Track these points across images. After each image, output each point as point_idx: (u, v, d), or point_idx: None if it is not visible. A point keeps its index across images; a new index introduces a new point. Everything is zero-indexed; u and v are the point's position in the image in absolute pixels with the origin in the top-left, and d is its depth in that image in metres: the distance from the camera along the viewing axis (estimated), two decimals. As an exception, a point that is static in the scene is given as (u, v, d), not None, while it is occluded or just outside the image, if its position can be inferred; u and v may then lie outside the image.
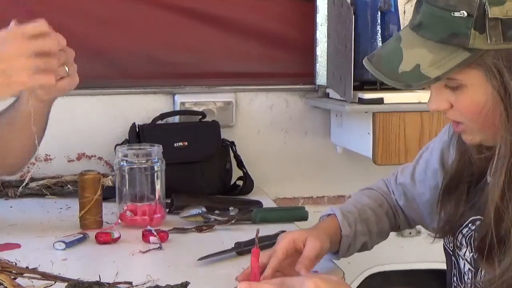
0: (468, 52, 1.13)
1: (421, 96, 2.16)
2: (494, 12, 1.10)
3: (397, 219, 1.60)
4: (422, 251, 2.53)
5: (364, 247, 1.56)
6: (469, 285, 1.30)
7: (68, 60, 1.60)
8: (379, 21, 2.30)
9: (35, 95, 1.69)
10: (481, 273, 1.25)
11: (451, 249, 1.36)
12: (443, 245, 1.40)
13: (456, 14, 1.12)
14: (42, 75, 1.32)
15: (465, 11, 1.11)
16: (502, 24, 1.11)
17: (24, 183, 2.01)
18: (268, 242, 1.53)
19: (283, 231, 1.67)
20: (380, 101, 2.14)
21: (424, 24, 1.17)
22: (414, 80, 1.16)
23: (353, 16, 2.14)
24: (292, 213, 1.92)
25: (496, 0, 1.10)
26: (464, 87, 1.17)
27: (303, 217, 1.86)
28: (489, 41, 1.11)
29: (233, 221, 1.83)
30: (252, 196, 2.20)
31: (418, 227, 2.52)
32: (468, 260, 1.31)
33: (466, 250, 1.32)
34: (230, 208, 1.89)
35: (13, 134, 1.67)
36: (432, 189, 1.49)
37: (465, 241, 1.31)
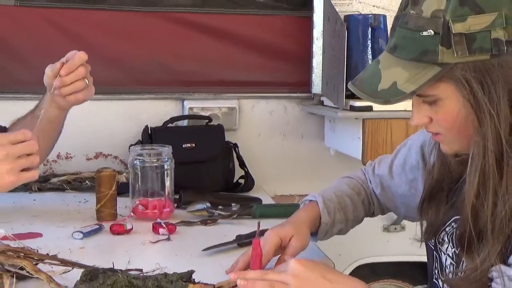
0: (438, 66, 1.12)
1: (406, 105, 2.13)
2: (457, 28, 1.10)
3: (372, 206, 1.61)
4: (406, 245, 2.53)
5: (340, 233, 1.57)
6: (450, 275, 1.30)
7: (87, 74, 1.62)
8: (369, 36, 2.30)
9: (56, 104, 1.69)
10: (463, 265, 1.25)
11: (433, 244, 1.35)
12: (427, 242, 1.39)
13: (425, 33, 1.12)
14: (27, 173, 1.36)
15: (432, 30, 1.11)
16: (466, 38, 1.10)
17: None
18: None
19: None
20: (369, 108, 2.14)
21: (398, 46, 1.17)
22: (392, 96, 1.16)
23: (346, 32, 2.14)
24: (289, 209, 1.89)
25: (458, 17, 1.10)
26: (439, 101, 1.16)
27: (299, 212, 1.86)
28: (455, 54, 1.10)
29: (235, 216, 1.83)
30: (252, 193, 2.20)
31: (403, 223, 2.56)
32: (450, 255, 1.30)
33: (448, 246, 1.31)
34: (232, 204, 1.90)
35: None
36: (409, 182, 1.49)
37: (447, 237, 1.31)
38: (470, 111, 1.14)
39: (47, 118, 1.64)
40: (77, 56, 1.61)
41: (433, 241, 1.35)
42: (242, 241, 1.57)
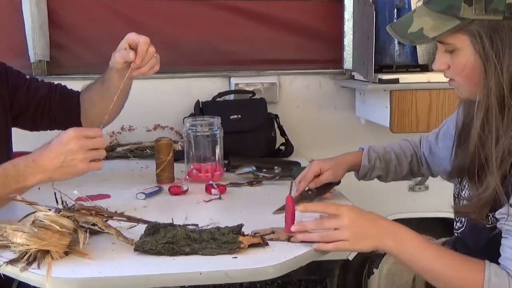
0: (458, 20, 1.17)
1: (430, 77, 2.11)
2: None
3: (421, 167, 1.65)
4: (429, 203, 2.50)
5: (380, 179, 1.67)
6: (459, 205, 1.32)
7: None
8: (395, 16, 2.27)
9: (120, 73, 1.68)
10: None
11: (457, 193, 1.36)
12: (453, 192, 1.40)
13: None
14: (95, 163, 1.41)
15: None
16: None
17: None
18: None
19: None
20: (396, 81, 2.10)
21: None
22: (417, 38, 1.21)
23: (374, 13, 2.10)
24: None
25: None
26: (457, 51, 1.20)
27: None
28: (474, 11, 1.15)
29: (277, 178, 1.82)
30: (292, 158, 2.19)
31: (427, 183, 2.52)
32: (466, 198, 1.31)
33: (466, 190, 1.31)
34: (275, 167, 1.89)
35: (102, 99, 1.70)
36: (448, 148, 1.48)
37: (467, 184, 1.31)
38: (478, 62, 1.18)
39: (117, 86, 1.65)
40: (143, 42, 1.61)
41: (457, 191, 1.35)
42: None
